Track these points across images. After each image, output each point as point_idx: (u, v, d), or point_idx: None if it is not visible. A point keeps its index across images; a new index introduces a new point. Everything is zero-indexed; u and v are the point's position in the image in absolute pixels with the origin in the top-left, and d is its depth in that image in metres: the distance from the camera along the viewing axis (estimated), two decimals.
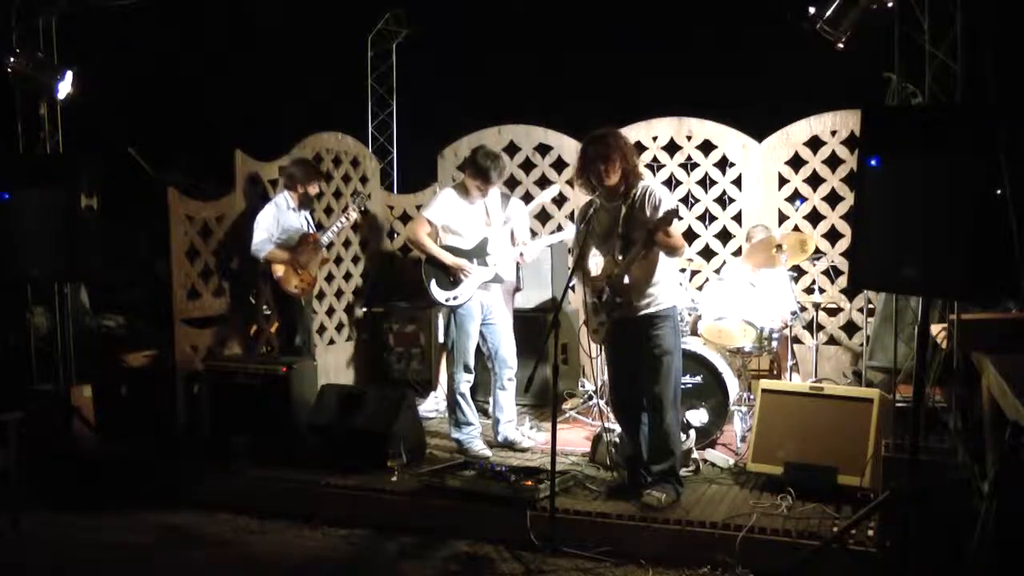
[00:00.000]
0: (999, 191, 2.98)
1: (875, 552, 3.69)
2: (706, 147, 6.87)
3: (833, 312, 6.63)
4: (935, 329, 4.67)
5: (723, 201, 6.86)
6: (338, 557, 4.27)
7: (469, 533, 4.36)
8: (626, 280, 4.25)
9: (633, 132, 6.78)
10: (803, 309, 6.10)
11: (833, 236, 6.54)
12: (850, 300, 6.53)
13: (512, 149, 7.35)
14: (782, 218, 6.67)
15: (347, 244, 7.42)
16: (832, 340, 6.63)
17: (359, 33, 9.10)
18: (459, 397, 5.39)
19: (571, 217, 7.01)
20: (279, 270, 5.96)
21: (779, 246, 5.63)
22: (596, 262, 4.52)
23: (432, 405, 6.54)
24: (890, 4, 4.78)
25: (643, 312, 4.34)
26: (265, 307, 6.26)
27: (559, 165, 7.30)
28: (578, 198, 6.31)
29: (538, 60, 9.12)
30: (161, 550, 4.42)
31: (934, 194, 3.13)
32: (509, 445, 5.47)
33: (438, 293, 5.33)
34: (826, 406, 4.57)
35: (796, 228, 6.54)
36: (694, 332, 5.70)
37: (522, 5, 8.70)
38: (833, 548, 3.72)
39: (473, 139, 7.47)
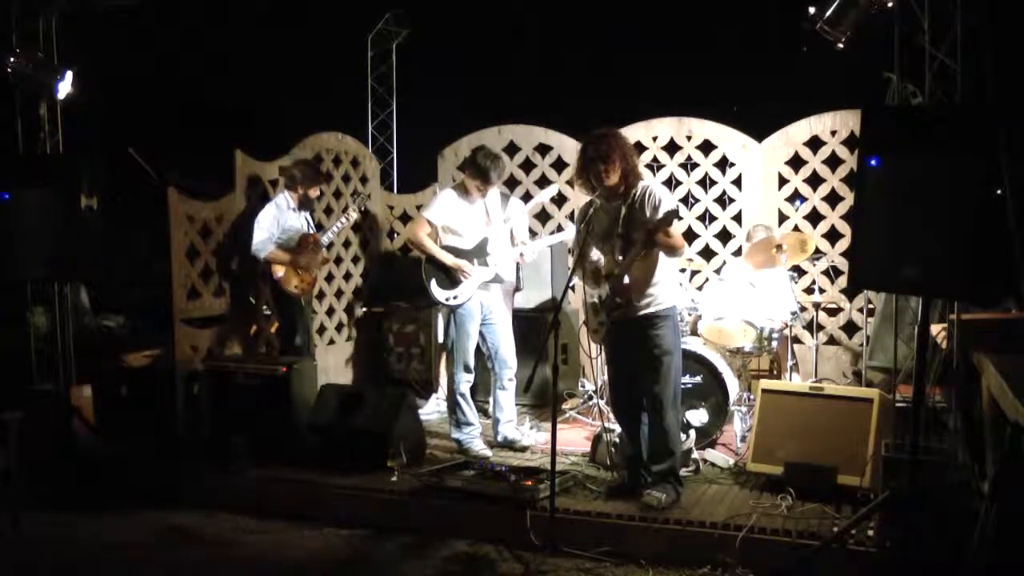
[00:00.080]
0: (999, 191, 2.98)
1: (875, 552, 3.69)
2: (706, 147, 6.87)
3: (833, 312, 6.63)
4: (935, 329, 4.67)
5: (723, 201, 6.86)
6: (338, 557, 4.26)
7: (469, 533, 4.36)
8: (626, 280, 4.25)
9: (633, 132, 6.78)
10: (803, 309, 6.09)
11: (833, 236, 6.54)
12: (850, 300, 6.52)
13: (512, 149, 7.35)
14: (782, 218, 6.67)
15: (347, 244, 7.42)
16: (832, 340, 6.63)
17: (359, 33, 9.10)
18: (459, 397, 5.39)
19: (571, 217, 7.01)
20: (279, 270, 5.96)
21: (779, 246, 5.63)
22: (596, 262, 4.51)
23: (433, 407, 6.55)
24: (890, 4, 4.78)
25: (643, 312, 4.33)
26: (265, 307, 6.27)
27: (559, 165, 7.30)
28: (578, 198, 6.32)
29: (538, 60, 9.13)
30: (161, 550, 4.42)
31: (934, 194, 3.13)
32: (509, 445, 5.47)
33: (438, 293, 5.33)
34: (826, 406, 4.57)
35: (796, 228, 6.54)
36: (694, 332, 5.69)
37: (522, 5, 8.71)
38: (833, 548, 3.72)
39: (473, 139, 7.47)
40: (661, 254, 4.31)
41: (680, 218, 4.89)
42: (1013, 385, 3.22)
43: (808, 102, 6.68)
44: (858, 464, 4.28)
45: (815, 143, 6.56)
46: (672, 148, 6.96)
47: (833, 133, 6.48)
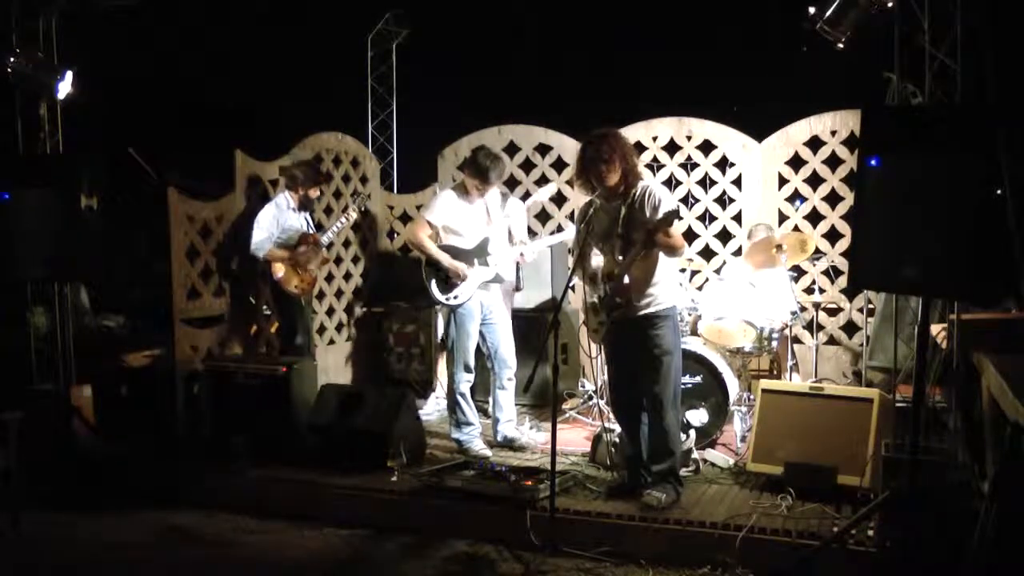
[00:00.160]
0: (999, 191, 2.98)
1: (875, 552, 3.69)
2: (706, 147, 6.87)
3: (833, 312, 6.63)
4: (935, 329, 4.67)
5: (723, 201, 6.86)
6: (338, 557, 4.26)
7: (469, 533, 4.36)
8: (626, 280, 4.25)
9: (633, 132, 6.78)
10: (803, 309, 6.09)
11: (833, 236, 6.54)
12: (850, 300, 6.53)
13: (512, 149, 7.36)
14: (782, 218, 6.67)
15: (347, 244, 7.42)
16: (832, 340, 6.63)
17: (359, 33, 9.10)
18: (459, 397, 5.39)
19: (571, 217, 7.01)
20: (279, 270, 5.96)
21: (779, 246, 5.63)
22: (597, 262, 4.51)
23: (433, 407, 6.55)
24: (890, 4, 4.78)
25: (643, 312, 4.33)
26: (265, 307, 6.27)
27: (559, 165, 7.30)
28: (578, 198, 6.31)
29: (538, 60, 9.13)
30: (161, 550, 4.42)
31: (934, 194, 3.13)
32: (509, 444, 5.47)
33: (438, 293, 5.33)
34: (826, 406, 4.57)
35: (796, 228, 6.54)
36: (694, 332, 5.69)
37: (522, 5, 8.71)
38: (833, 548, 3.72)
39: (473, 139, 7.48)
40: (661, 254, 4.30)
41: (680, 218, 4.90)
42: (1013, 385, 3.22)
43: (808, 102, 6.68)
44: (858, 464, 4.28)
45: (815, 143, 6.56)
46: (672, 148, 6.96)
47: (833, 133, 6.49)
